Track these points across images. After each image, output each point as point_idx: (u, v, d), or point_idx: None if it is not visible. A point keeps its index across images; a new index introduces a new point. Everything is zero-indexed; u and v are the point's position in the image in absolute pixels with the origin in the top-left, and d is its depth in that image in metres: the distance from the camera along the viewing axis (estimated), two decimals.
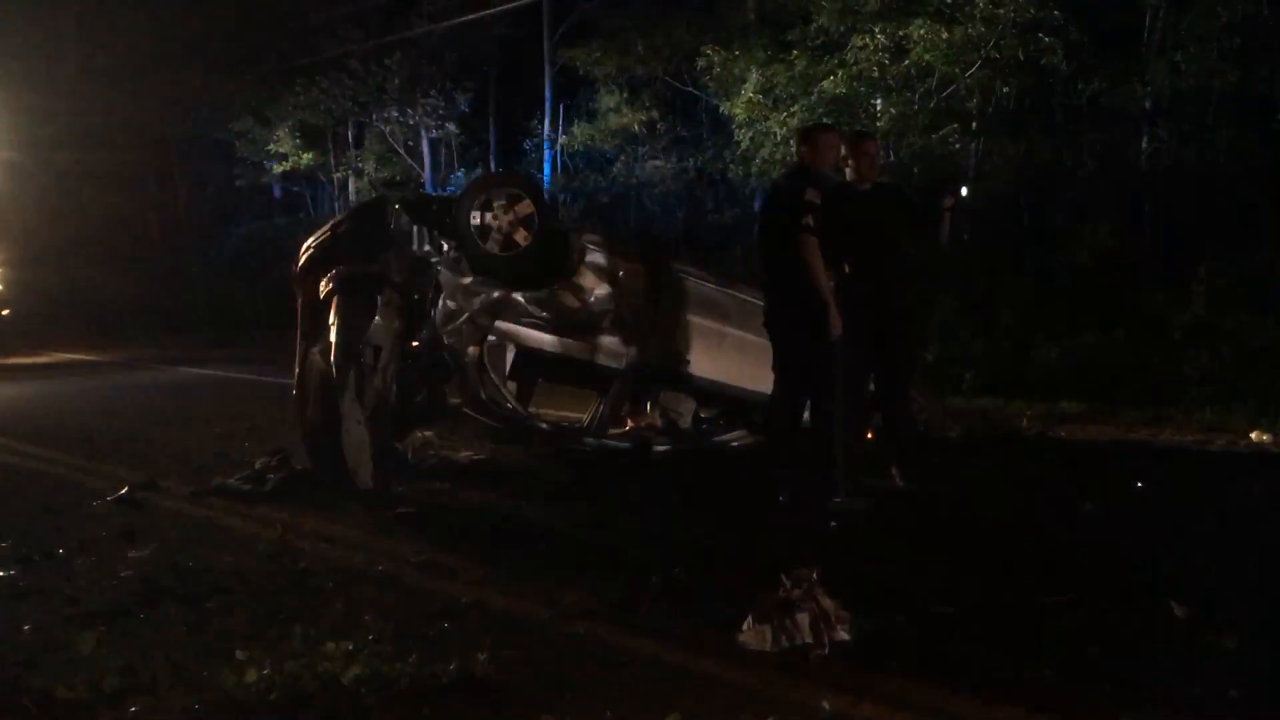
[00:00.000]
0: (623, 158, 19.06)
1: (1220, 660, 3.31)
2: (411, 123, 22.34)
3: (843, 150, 5.94)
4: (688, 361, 6.87)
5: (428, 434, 7.10)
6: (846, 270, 5.70)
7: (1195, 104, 12.16)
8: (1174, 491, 6.03)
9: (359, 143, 24.06)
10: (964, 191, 6.23)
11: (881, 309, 5.72)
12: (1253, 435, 7.65)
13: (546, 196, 17.66)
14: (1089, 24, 11.80)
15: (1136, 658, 3.37)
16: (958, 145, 12.47)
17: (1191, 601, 3.75)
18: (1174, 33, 11.95)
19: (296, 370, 6.52)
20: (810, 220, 5.32)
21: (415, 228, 6.60)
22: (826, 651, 3.36)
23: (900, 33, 11.95)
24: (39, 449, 7.63)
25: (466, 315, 6.48)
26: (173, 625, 3.76)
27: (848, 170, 5.90)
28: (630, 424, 7.48)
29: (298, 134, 23.02)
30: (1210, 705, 3.00)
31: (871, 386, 6.05)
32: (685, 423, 7.47)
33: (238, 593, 4.13)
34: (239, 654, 3.25)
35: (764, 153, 13.33)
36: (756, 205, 5.86)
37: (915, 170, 12.21)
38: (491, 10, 19.82)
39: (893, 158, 12.59)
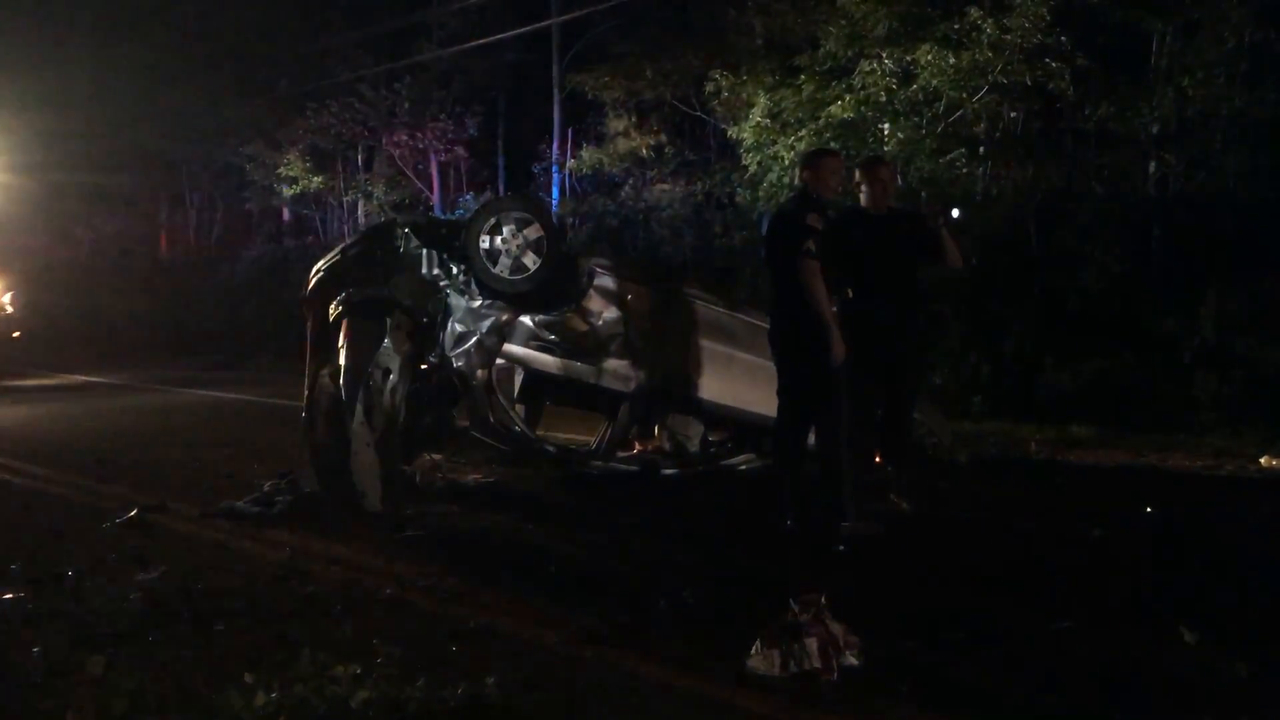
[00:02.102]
0: (631, 181, 19.11)
1: (1232, 686, 3.30)
2: (421, 146, 22.47)
3: (857, 176, 5.96)
4: (696, 385, 6.88)
5: (436, 457, 7.11)
6: (850, 295, 5.70)
7: (1203, 128, 12.18)
8: (1184, 516, 6.00)
9: (369, 166, 24.19)
10: (955, 213, 6.07)
11: (894, 334, 5.72)
12: (1262, 460, 7.62)
13: (555, 220, 17.77)
14: (1096, 49, 11.85)
15: (1147, 683, 3.35)
16: (965, 170, 12.49)
17: (1202, 627, 3.74)
18: (1181, 58, 11.99)
19: (306, 393, 6.54)
20: (811, 245, 5.33)
21: (424, 251, 6.64)
22: (835, 677, 3.35)
23: (908, 58, 12.01)
24: (48, 470, 7.65)
25: (475, 338, 6.51)
26: (181, 648, 3.76)
27: (862, 196, 5.90)
28: (638, 447, 7.49)
29: (308, 157, 23.17)
30: None
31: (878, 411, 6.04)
32: (693, 446, 7.48)
33: (246, 615, 4.13)
34: (247, 677, 3.25)
35: (772, 176, 13.38)
36: (763, 229, 5.87)
37: (924, 195, 12.23)
38: (501, 35, 19.96)
39: (901, 182, 12.62)
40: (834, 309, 5.44)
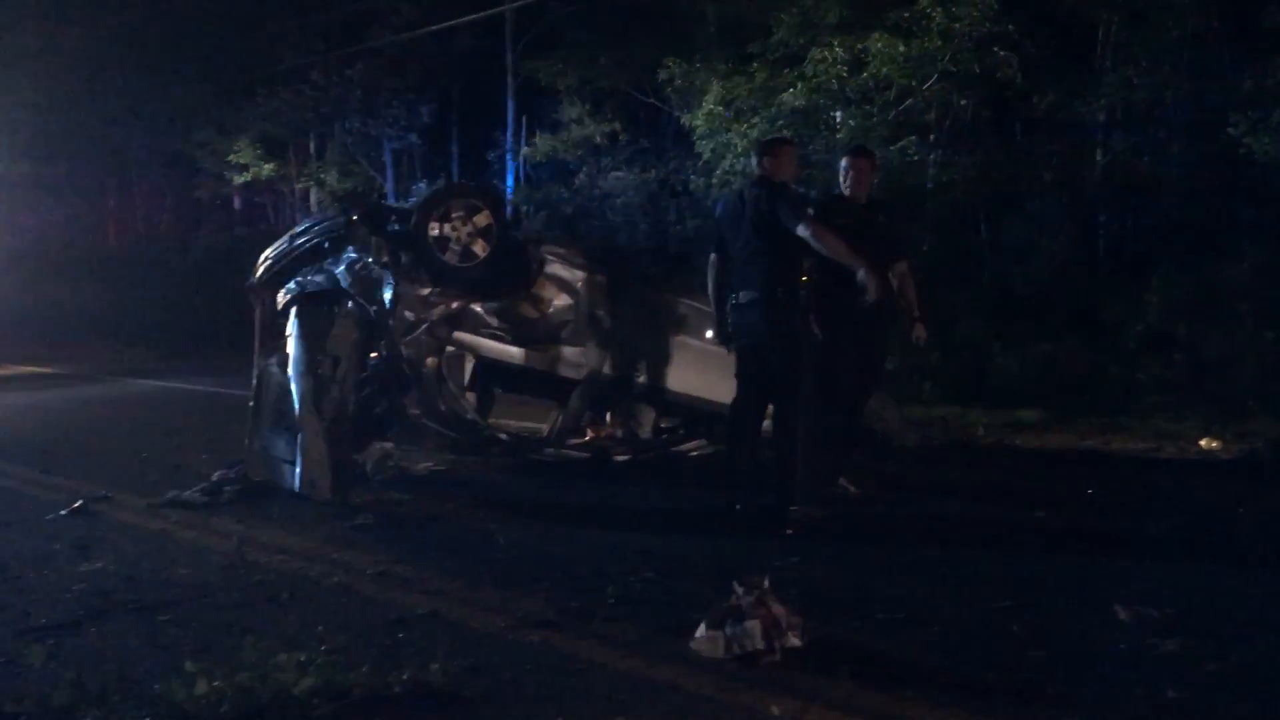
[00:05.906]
0: (585, 169, 19.06)
1: (1161, 661, 3.38)
2: (374, 133, 22.28)
3: (843, 164, 6.05)
4: (647, 371, 6.90)
5: (386, 445, 7.07)
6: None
7: (1148, 116, 12.36)
8: (1124, 498, 6.12)
9: (321, 153, 23.94)
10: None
11: (871, 321, 5.75)
12: (1202, 442, 7.77)
13: (509, 207, 17.72)
14: (1043, 38, 11.99)
15: (1080, 661, 3.42)
16: (916, 157, 12.58)
17: (1136, 605, 3.83)
18: (1126, 47, 12.16)
19: (254, 382, 6.49)
20: (810, 209, 5.48)
21: (374, 238, 6.59)
22: (778, 658, 3.39)
23: (859, 46, 12.05)
24: None
25: (425, 326, 6.49)
26: (125, 638, 3.74)
27: (844, 185, 6.00)
28: (590, 434, 7.51)
29: (259, 145, 22.87)
30: (1150, 707, 3.06)
31: None
32: (645, 432, 7.51)
33: (192, 605, 4.12)
34: (190, 666, 3.23)
35: (725, 164, 13.39)
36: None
37: (875, 182, 12.31)
38: (454, 21, 19.79)
39: None
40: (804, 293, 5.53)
